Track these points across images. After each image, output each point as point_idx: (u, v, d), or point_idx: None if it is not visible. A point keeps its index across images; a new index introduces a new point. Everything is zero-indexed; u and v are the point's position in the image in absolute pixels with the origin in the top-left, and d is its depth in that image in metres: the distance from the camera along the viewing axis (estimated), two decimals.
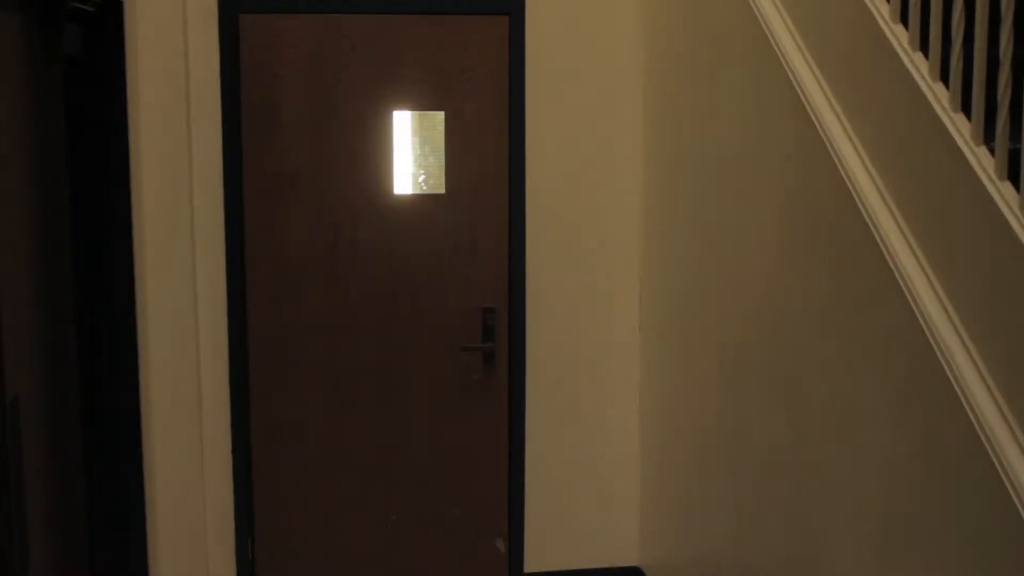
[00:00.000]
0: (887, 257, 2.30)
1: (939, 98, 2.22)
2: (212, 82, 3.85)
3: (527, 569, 4.25)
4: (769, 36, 2.88)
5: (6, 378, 2.81)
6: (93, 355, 3.61)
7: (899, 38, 2.37)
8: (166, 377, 3.86)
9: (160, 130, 3.78)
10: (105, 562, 3.68)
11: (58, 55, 3.39)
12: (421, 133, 4.04)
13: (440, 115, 4.03)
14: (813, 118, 2.64)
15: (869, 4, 2.46)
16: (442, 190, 4.07)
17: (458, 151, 4.06)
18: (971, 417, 1.99)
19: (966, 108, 2.17)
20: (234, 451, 4.01)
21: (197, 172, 3.85)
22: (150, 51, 3.73)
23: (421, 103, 4.03)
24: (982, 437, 1.96)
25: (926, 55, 2.31)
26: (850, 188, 2.46)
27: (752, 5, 2.98)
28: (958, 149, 2.11)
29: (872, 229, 2.37)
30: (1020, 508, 1.84)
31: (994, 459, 1.92)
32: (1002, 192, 2.00)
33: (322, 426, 4.10)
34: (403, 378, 4.12)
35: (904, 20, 2.40)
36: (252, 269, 3.99)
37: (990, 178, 2.03)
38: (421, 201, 4.06)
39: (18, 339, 3.01)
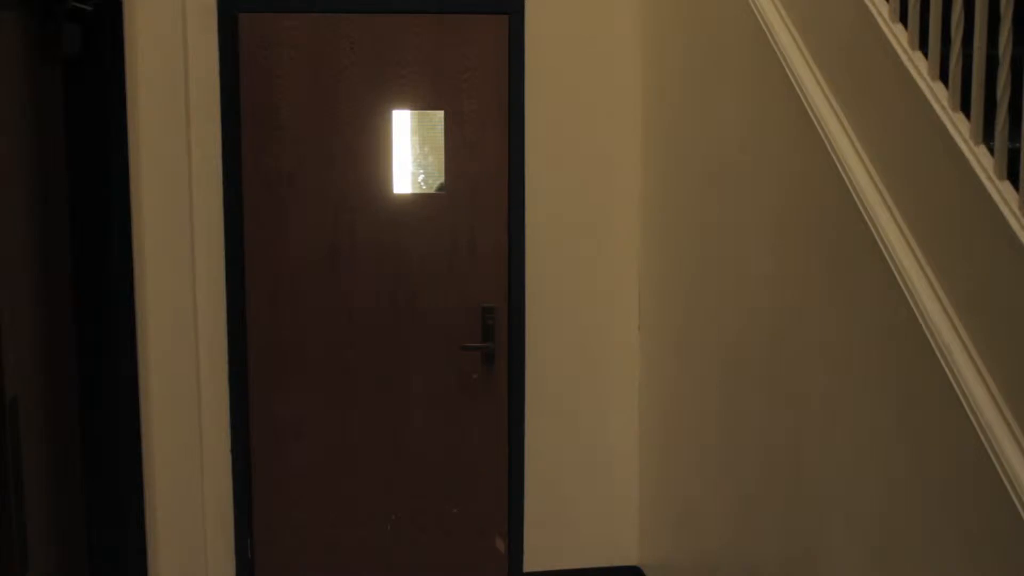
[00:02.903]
0: (887, 256, 2.30)
1: (938, 97, 2.22)
2: (211, 81, 3.85)
3: (527, 568, 4.24)
4: (769, 36, 2.88)
5: (6, 378, 2.81)
6: (93, 355, 3.61)
7: (899, 38, 2.37)
8: (166, 377, 3.86)
9: (159, 129, 3.78)
10: (105, 562, 3.68)
11: (57, 54, 3.39)
12: (420, 132, 4.04)
13: (439, 114, 4.03)
14: (813, 118, 2.63)
15: (869, 4, 2.46)
16: (442, 189, 4.07)
17: (458, 150, 4.05)
18: (971, 417, 1.99)
19: (965, 107, 2.17)
20: (234, 451, 4.01)
21: (196, 171, 3.85)
22: (149, 50, 3.73)
23: (420, 102, 4.03)
24: (982, 437, 1.95)
25: (925, 54, 2.31)
26: (850, 188, 2.46)
27: (752, 5, 2.98)
28: (957, 148, 2.11)
29: (872, 228, 2.36)
30: (1020, 508, 1.84)
31: (994, 459, 1.92)
32: (1001, 192, 2.00)
33: (322, 426, 4.10)
34: (403, 377, 4.12)
35: (904, 20, 2.40)
36: (252, 268, 3.99)
37: (989, 177, 2.03)
38: (421, 200, 4.06)
39: (18, 339, 3.01)
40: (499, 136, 4.05)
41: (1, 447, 2.77)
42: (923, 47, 2.34)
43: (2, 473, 2.78)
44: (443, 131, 4.03)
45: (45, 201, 3.36)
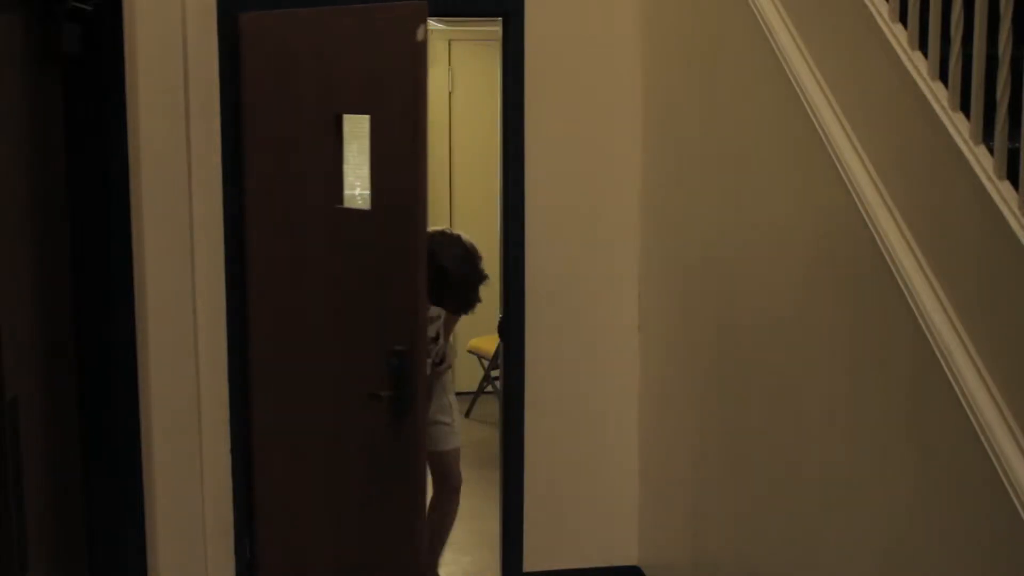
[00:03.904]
0: (886, 257, 2.30)
1: (938, 97, 2.22)
2: (211, 81, 3.83)
3: (527, 569, 4.24)
4: (768, 36, 2.88)
5: (6, 378, 2.81)
6: (93, 355, 3.61)
7: (898, 37, 2.38)
8: (165, 377, 3.85)
9: (159, 129, 3.77)
10: (104, 562, 3.68)
11: (57, 54, 3.39)
12: (362, 138, 3.63)
13: (364, 119, 3.49)
14: (813, 118, 2.64)
15: (869, 4, 2.46)
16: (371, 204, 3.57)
17: (385, 159, 3.48)
18: (971, 418, 1.99)
19: (965, 107, 2.18)
20: (233, 451, 4.00)
21: (196, 171, 3.84)
22: (149, 50, 3.72)
23: (359, 105, 3.55)
24: (982, 438, 1.95)
25: (925, 54, 2.31)
26: (849, 188, 2.46)
27: (751, 5, 2.98)
28: (957, 148, 2.11)
29: (871, 228, 2.37)
30: (1020, 508, 1.84)
31: (994, 459, 1.92)
32: (1001, 191, 2.00)
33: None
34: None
35: (903, 20, 2.40)
36: (252, 268, 3.97)
37: (989, 177, 2.04)
38: (357, 217, 3.73)
39: (18, 339, 3.01)
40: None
41: (1, 447, 2.77)
42: (923, 47, 2.34)
43: (2, 473, 2.78)
44: (372, 137, 3.46)
45: (45, 201, 3.36)
